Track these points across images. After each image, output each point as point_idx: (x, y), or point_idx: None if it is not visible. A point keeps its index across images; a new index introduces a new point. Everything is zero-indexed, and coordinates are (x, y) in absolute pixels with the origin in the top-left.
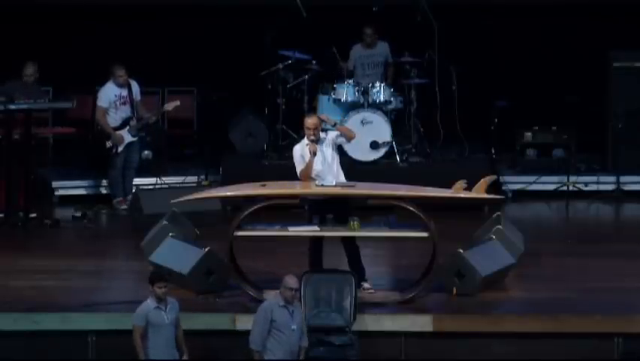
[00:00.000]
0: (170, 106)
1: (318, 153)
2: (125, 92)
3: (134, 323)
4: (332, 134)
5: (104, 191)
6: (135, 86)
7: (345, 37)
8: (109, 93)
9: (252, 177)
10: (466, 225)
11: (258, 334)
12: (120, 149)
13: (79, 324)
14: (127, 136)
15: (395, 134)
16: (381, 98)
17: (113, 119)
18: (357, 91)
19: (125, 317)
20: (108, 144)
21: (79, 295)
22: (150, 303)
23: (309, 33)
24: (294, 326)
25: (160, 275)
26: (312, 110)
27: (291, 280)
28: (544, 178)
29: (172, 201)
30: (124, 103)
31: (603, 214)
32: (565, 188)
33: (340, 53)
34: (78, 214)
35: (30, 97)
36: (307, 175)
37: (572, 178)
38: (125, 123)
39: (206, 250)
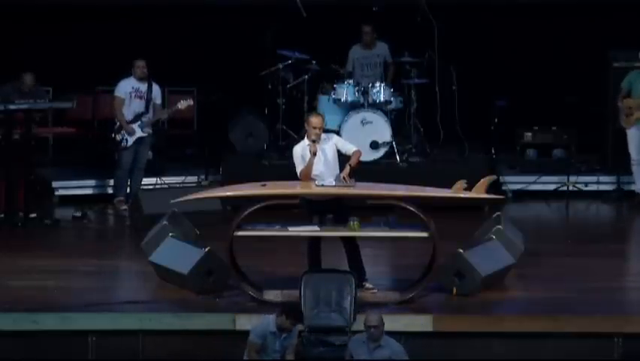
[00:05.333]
0: (183, 105)
1: (320, 154)
2: (143, 88)
3: (252, 340)
4: (334, 138)
5: (104, 191)
6: (156, 88)
7: (345, 37)
8: (126, 85)
9: (252, 177)
10: (466, 225)
11: None
12: (130, 142)
13: (79, 324)
14: (138, 130)
15: (395, 134)
16: (381, 98)
17: (125, 111)
18: (357, 91)
19: (125, 317)
20: (118, 137)
21: (79, 295)
22: (272, 325)
23: (309, 33)
24: None
25: (296, 312)
26: (312, 110)
27: (370, 317)
28: (544, 178)
29: (172, 201)
30: (139, 97)
31: (603, 214)
32: (565, 188)
33: (339, 54)
34: (78, 214)
35: (30, 97)
36: (307, 175)
37: (572, 178)
38: (137, 118)
39: (206, 250)
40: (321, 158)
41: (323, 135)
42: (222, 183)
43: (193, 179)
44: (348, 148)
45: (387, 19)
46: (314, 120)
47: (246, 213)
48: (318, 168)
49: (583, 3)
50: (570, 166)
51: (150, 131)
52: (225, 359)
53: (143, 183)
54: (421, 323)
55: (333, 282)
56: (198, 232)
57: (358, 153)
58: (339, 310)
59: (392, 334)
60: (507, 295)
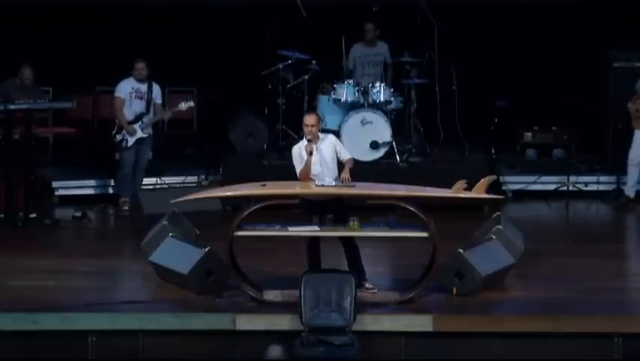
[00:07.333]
0: (184, 106)
1: (318, 154)
2: (143, 88)
3: None
4: (333, 138)
5: (104, 191)
6: (157, 88)
7: (345, 36)
8: (126, 85)
9: (252, 177)
10: (466, 225)
11: None
12: (131, 142)
13: (79, 324)
14: (138, 130)
15: (395, 134)
16: (381, 98)
17: (126, 112)
18: (357, 91)
19: (125, 317)
20: (118, 137)
21: (79, 295)
22: None
23: (309, 33)
24: None
25: None
26: (312, 110)
27: (271, 353)
28: (544, 178)
29: (172, 201)
30: (139, 97)
31: (603, 214)
32: (565, 188)
33: (339, 54)
34: (78, 214)
35: (30, 97)
36: (307, 175)
37: (572, 178)
38: (137, 118)
39: (206, 250)
40: (318, 159)
41: (321, 135)
42: (222, 183)
43: (193, 179)
44: (344, 154)
45: (387, 19)
46: (308, 118)
47: (246, 213)
48: (315, 167)
49: (583, 3)
50: (570, 166)
51: (151, 131)
52: (225, 359)
53: (143, 183)
54: (421, 323)
55: (333, 282)
56: (198, 232)
57: (350, 162)
58: (339, 310)
59: (392, 334)
60: (507, 295)
